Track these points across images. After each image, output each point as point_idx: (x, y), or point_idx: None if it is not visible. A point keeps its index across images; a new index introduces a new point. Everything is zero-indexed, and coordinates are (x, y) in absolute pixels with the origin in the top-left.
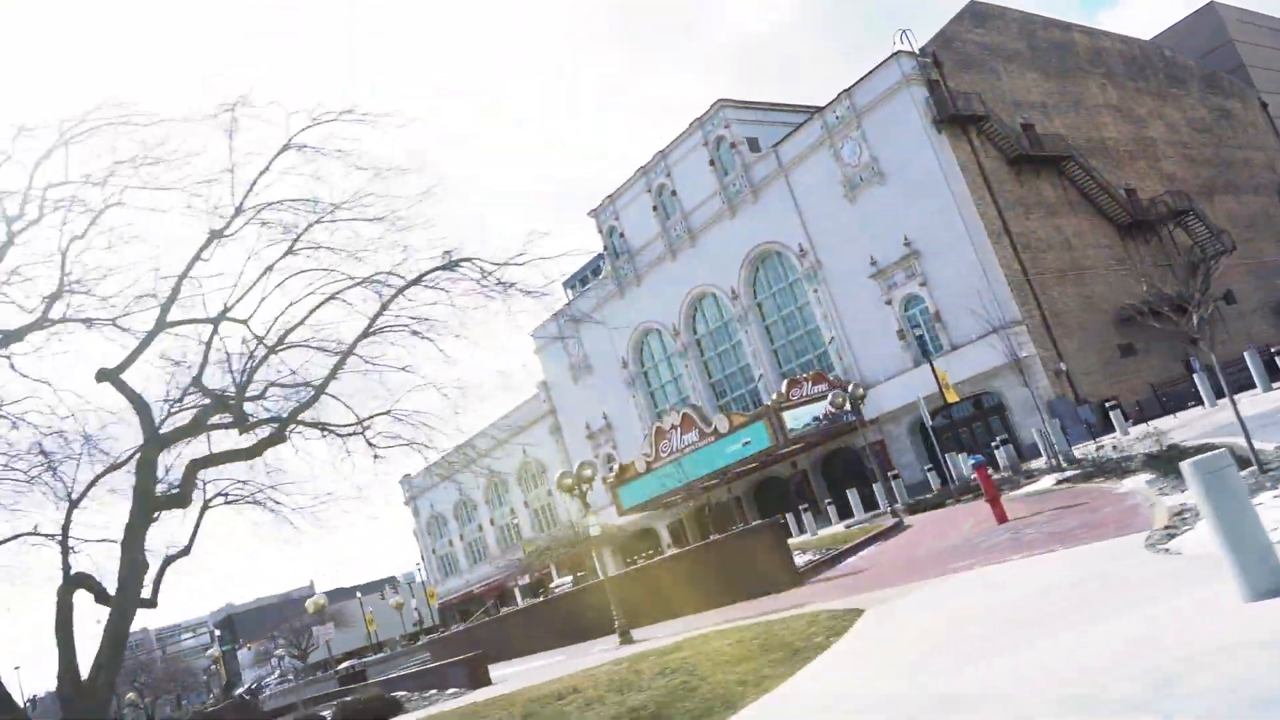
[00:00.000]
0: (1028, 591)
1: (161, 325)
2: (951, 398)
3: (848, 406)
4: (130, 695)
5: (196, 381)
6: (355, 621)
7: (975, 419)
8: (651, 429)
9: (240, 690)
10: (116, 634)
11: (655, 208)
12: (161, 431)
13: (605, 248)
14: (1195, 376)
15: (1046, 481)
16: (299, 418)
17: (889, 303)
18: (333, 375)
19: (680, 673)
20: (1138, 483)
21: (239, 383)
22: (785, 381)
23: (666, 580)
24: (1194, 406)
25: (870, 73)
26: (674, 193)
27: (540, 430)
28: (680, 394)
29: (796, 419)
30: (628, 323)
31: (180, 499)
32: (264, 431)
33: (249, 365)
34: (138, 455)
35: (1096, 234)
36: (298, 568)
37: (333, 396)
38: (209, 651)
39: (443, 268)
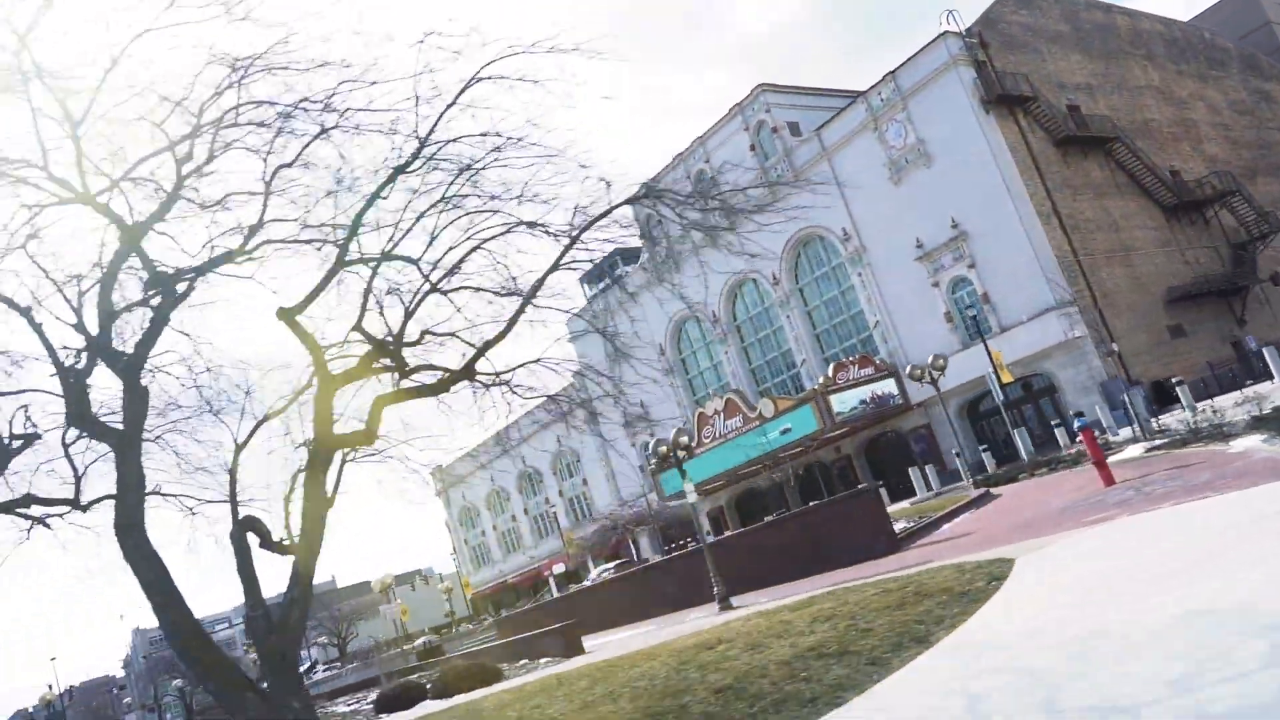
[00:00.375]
0: (1214, 528)
1: (341, 263)
2: (1006, 378)
3: (929, 378)
4: (177, 683)
5: (357, 326)
6: (386, 612)
7: (1024, 401)
8: (694, 415)
9: None
10: (305, 570)
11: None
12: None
13: (642, 235)
14: (1265, 351)
15: (1133, 450)
16: (443, 365)
17: (936, 285)
18: (520, 313)
19: (839, 619)
20: (1251, 442)
21: (397, 329)
22: (832, 365)
23: (755, 551)
24: (1252, 384)
25: (916, 54)
26: (713, 179)
27: (574, 419)
28: (719, 380)
29: (843, 402)
30: (665, 312)
31: (367, 435)
32: (408, 380)
33: (408, 309)
34: (314, 397)
35: (1143, 215)
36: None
37: (469, 344)
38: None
39: (636, 199)
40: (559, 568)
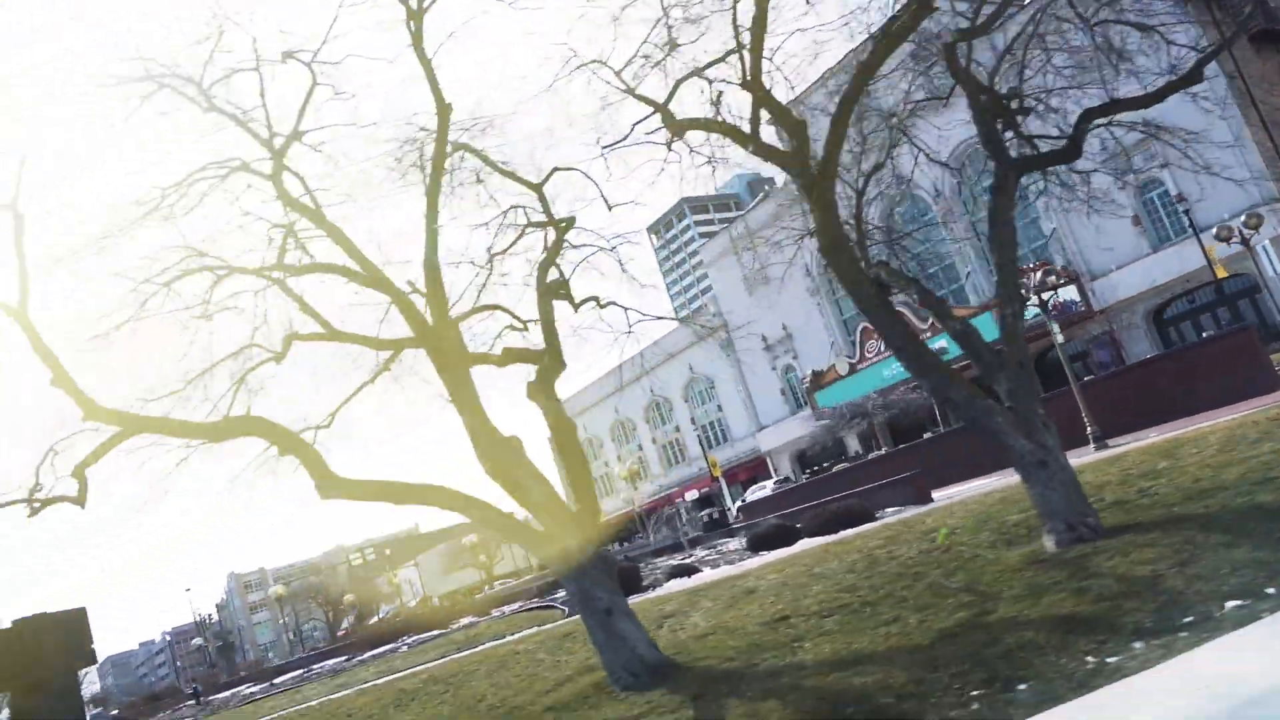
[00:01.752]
0: None
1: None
2: (1221, 274)
3: (1240, 238)
4: (351, 597)
5: (951, 49)
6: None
7: (1218, 304)
8: (858, 329)
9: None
10: (1013, 278)
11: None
12: None
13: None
14: None
15: None
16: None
17: (1122, 188)
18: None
19: None
20: None
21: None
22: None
23: (1104, 401)
24: None
25: None
26: (869, 92)
27: (709, 345)
28: None
29: (1027, 310)
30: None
31: (1071, 151)
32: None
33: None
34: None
35: None
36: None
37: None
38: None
39: None
40: (692, 494)
